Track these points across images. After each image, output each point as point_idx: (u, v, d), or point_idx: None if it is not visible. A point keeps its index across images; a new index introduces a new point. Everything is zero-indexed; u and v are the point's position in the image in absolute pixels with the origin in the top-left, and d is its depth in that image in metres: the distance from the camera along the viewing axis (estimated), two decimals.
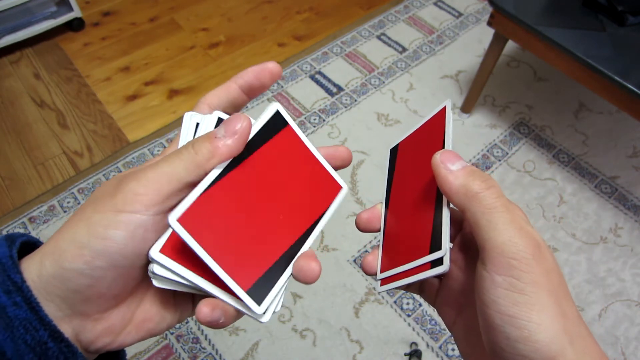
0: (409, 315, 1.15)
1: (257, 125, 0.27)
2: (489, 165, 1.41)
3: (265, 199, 0.27)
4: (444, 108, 0.30)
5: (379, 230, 0.32)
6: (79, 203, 1.32)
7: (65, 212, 1.30)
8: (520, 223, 0.23)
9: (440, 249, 0.25)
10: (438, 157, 0.26)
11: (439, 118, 0.30)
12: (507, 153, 1.44)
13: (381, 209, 0.33)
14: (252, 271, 0.25)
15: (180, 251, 0.24)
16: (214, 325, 0.24)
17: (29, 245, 0.25)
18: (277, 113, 0.28)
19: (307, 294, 1.17)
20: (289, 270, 0.27)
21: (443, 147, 0.28)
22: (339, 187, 0.31)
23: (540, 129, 1.50)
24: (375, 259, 0.31)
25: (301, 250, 0.28)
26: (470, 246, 0.29)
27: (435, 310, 0.33)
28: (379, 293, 1.16)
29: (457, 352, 1.10)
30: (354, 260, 1.23)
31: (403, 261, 0.28)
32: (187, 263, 0.24)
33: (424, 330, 1.13)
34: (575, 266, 1.23)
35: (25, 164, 1.41)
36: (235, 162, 0.25)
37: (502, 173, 1.40)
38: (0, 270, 0.21)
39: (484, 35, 1.75)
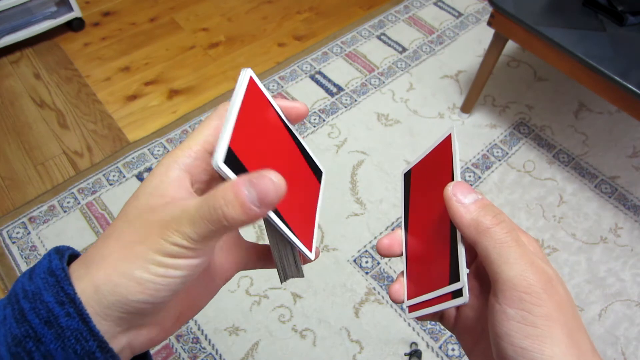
0: None
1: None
2: (489, 165, 1.41)
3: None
4: (450, 136, 0.30)
5: (401, 255, 0.33)
6: (79, 203, 1.32)
7: (65, 212, 1.30)
8: (531, 257, 0.24)
9: (459, 280, 0.26)
10: (450, 189, 0.27)
11: (446, 145, 0.30)
12: (507, 153, 1.44)
13: (401, 233, 0.33)
14: (309, 230, 0.29)
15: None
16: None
17: (72, 257, 0.26)
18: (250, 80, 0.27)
19: (307, 294, 1.17)
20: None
21: (452, 176, 0.28)
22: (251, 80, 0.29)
23: (540, 129, 1.50)
24: (401, 287, 0.32)
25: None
26: (485, 275, 0.29)
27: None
28: (412, 320, 1.16)
29: (457, 352, 1.10)
30: (354, 260, 1.23)
31: (426, 289, 0.29)
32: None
33: (424, 330, 1.13)
34: (575, 266, 1.23)
35: (25, 164, 1.41)
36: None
37: (502, 173, 1.40)
38: (54, 281, 0.22)
39: (484, 35, 1.75)
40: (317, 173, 0.32)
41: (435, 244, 0.29)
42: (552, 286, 0.23)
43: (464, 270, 0.26)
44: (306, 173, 0.30)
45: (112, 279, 0.23)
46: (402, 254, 0.33)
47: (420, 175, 0.33)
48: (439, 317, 0.33)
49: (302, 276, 0.28)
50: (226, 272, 0.31)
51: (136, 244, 0.23)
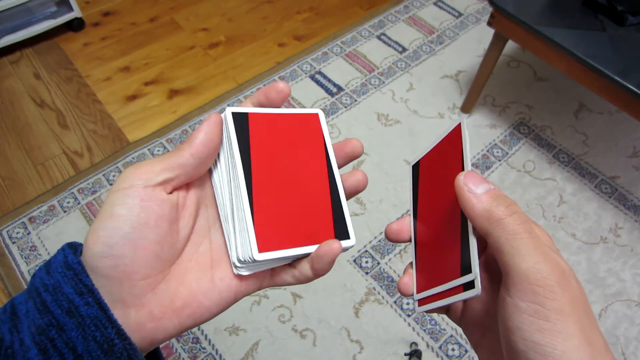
0: (409, 315, 1.15)
1: (232, 137, 0.30)
2: (489, 165, 1.41)
3: (285, 176, 0.31)
4: (459, 126, 0.29)
5: (409, 241, 0.32)
6: (79, 203, 1.32)
7: (65, 212, 1.30)
8: (544, 249, 0.23)
9: (470, 271, 0.25)
10: (461, 178, 0.26)
11: (455, 136, 0.29)
12: (507, 153, 1.44)
13: (410, 221, 0.33)
14: (325, 226, 0.31)
15: (273, 241, 0.29)
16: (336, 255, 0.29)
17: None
18: (234, 114, 0.31)
19: (307, 293, 1.17)
20: (344, 201, 0.33)
21: (463, 167, 0.28)
22: (316, 115, 0.34)
23: (540, 129, 1.50)
24: (410, 280, 0.31)
25: (338, 185, 0.33)
26: (494, 267, 0.29)
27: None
28: (418, 313, 1.15)
29: (457, 352, 1.10)
30: (354, 260, 1.23)
31: (437, 282, 0.28)
32: (285, 244, 0.29)
33: (424, 330, 1.13)
34: (575, 266, 1.23)
35: (25, 164, 1.40)
36: (247, 168, 0.29)
37: (502, 173, 1.40)
38: (72, 275, 0.24)
39: (484, 35, 1.75)
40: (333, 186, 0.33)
41: (446, 236, 0.28)
42: (566, 280, 0.23)
43: (475, 262, 0.25)
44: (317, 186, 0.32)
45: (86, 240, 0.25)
46: (410, 240, 0.32)
47: (429, 167, 0.32)
48: (446, 310, 0.32)
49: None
50: (243, 285, 0.30)
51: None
